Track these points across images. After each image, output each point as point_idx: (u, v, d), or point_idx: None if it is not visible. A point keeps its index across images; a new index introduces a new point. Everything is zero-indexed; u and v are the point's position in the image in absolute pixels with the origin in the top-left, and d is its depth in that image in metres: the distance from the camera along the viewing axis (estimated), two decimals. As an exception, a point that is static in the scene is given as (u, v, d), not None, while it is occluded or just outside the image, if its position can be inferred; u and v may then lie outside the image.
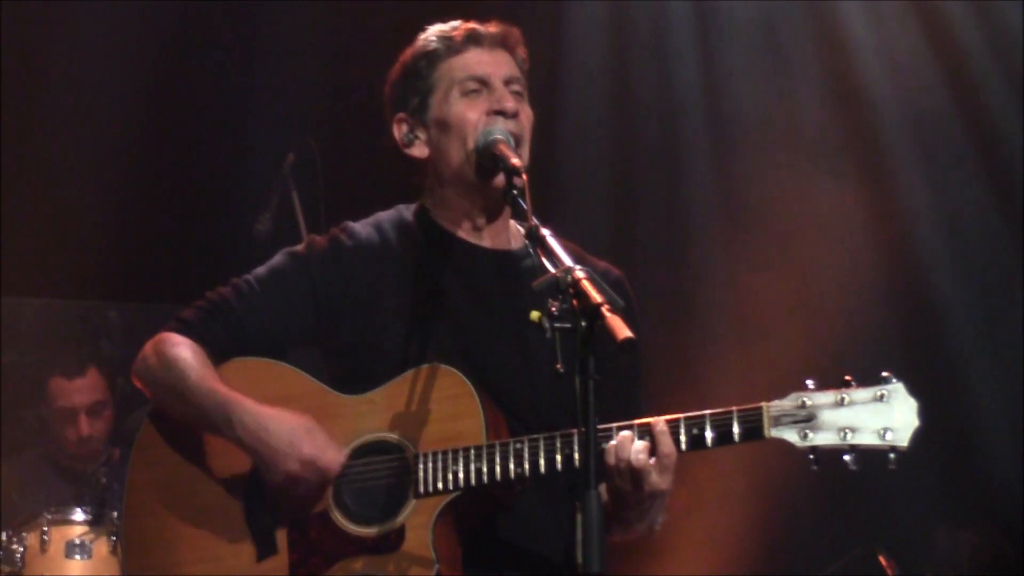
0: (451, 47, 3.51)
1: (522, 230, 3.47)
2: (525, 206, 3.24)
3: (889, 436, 3.08)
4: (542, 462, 3.23)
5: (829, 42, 6.91)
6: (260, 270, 3.56)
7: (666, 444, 3.15)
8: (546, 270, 3.04)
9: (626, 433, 3.17)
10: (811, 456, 3.13)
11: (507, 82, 3.50)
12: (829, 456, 3.12)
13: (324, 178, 6.27)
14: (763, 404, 3.16)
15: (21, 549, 5.47)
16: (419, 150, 3.55)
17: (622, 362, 3.30)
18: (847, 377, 3.15)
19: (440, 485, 3.27)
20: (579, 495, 2.76)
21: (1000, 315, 6.80)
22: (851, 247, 6.75)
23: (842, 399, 3.12)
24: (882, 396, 3.10)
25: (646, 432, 3.17)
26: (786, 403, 3.15)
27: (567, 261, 3.01)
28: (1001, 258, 6.75)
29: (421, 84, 3.52)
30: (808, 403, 3.14)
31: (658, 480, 3.16)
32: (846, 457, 3.10)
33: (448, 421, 3.30)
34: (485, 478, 3.25)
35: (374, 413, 3.36)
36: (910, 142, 6.86)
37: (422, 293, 3.48)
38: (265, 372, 3.48)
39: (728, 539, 6.78)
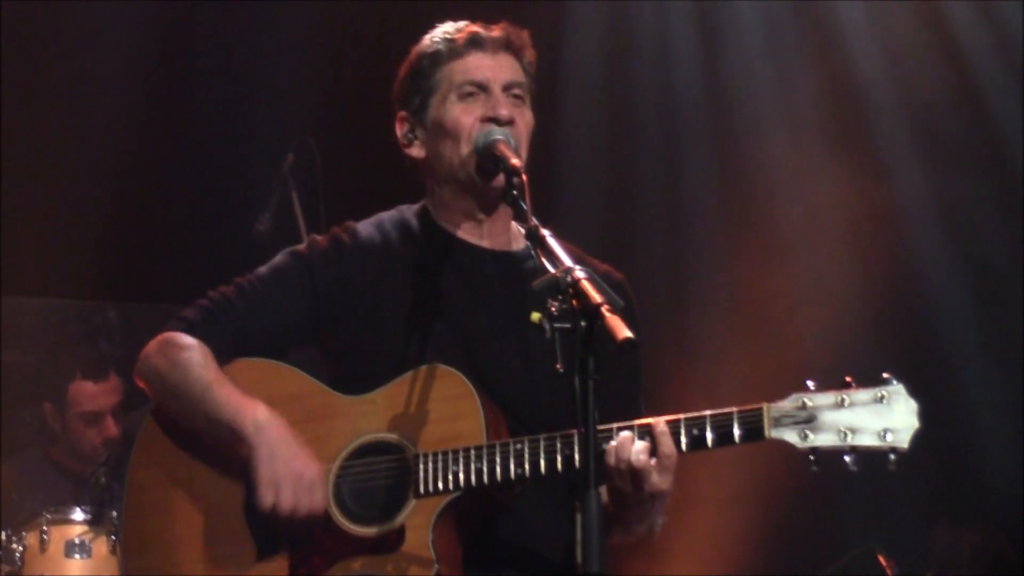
0: (453, 49, 3.50)
1: (523, 231, 3.47)
2: (525, 207, 3.24)
3: (889, 437, 3.08)
4: (542, 462, 3.22)
5: (830, 42, 6.91)
6: (262, 269, 3.55)
7: (666, 445, 3.15)
8: (546, 270, 3.03)
9: (626, 434, 3.16)
10: (811, 457, 3.12)
11: (507, 87, 3.48)
12: (829, 457, 3.12)
13: (324, 178, 6.27)
14: (763, 405, 3.15)
15: (21, 549, 5.46)
16: (417, 150, 3.55)
17: (622, 362, 3.30)
18: (848, 378, 3.15)
19: (440, 485, 3.26)
20: (579, 496, 2.76)
21: (1000, 315, 6.81)
22: (851, 247, 6.75)
23: (842, 400, 3.12)
24: (882, 397, 3.10)
25: (646, 433, 3.16)
26: (786, 404, 3.14)
27: (567, 261, 3.00)
28: (1001, 258, 6.76)
29: (423, 84, 3.52)
30: (808, 404, 3.13)
31: (658, 481, 3.16)
32: (846, 458, 3.10)
33: (448, 421, 3.30)
34: (485, 478, 3.24)
35: (374, 413, 3.36)
36: (911, 141, 6.87)
37: (423, 293, 3.47)
38: (266, 372, 3.47)
39: (728, 539, 6.78)
